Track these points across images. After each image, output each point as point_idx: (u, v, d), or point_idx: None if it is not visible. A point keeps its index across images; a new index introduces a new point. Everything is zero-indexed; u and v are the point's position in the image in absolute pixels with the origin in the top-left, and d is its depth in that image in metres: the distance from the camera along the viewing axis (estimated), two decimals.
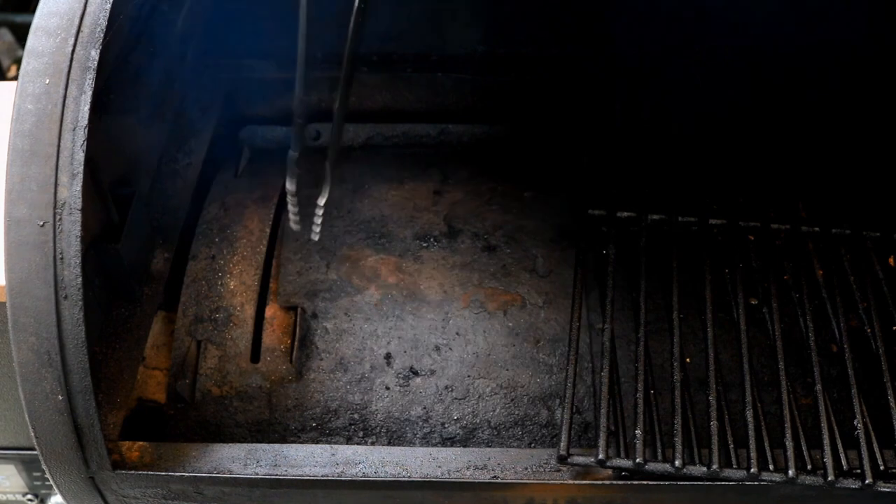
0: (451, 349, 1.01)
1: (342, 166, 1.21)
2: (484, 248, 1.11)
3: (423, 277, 1.08)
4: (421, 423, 0.97)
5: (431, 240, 1.12)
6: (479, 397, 0.98)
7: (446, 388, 0.99)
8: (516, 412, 0.97)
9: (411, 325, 1.03)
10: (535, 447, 0.94)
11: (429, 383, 0.99)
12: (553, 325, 1.03)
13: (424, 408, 0.98)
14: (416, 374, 1.00)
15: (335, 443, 0.95)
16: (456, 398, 0.98)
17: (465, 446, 0.95)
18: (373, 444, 0.95)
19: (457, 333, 1.03)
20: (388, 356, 1.01)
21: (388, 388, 0.99)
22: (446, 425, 0.97)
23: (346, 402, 0.98)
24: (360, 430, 0.96)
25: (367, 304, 1.05)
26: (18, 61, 1.81)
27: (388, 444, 0.95)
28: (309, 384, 0.99)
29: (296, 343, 1.00)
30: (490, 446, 0.95)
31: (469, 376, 1.00)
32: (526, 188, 1.17)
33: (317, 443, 0.94)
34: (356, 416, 0.97)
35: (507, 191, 1.17)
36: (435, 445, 0.95)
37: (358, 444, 0.95)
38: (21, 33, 1.85)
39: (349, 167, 1.20)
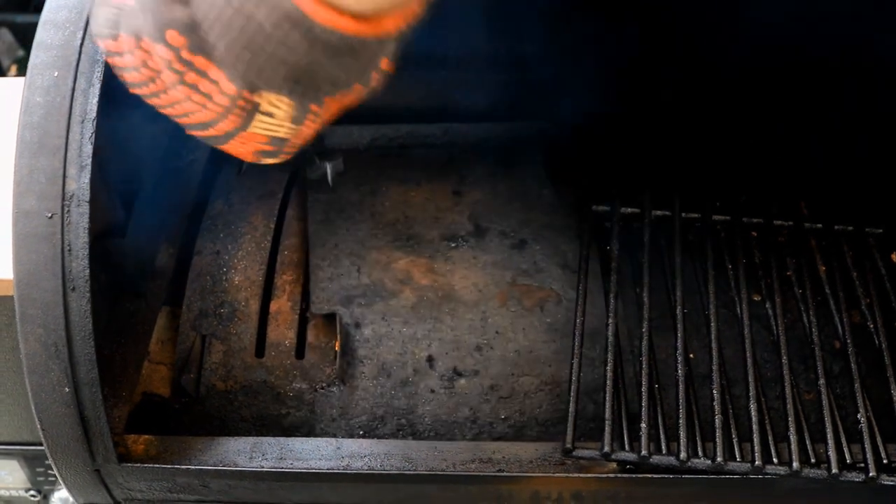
0: (492, 348, 1.01)
1: (350, 169, 1.20)
2: (513, 245, 1.10)
3: (456, 277, 1.07)
4: (469, 424, 0.96)
5: (459, 239, 1.11)
6: (524, 395, 0.98)
7: (491, 387, 0.98)
8: (563, 407, 0.95)
9: (450, 327, 1.02)
10: (583, 441, 0.92)
11: (473, 384, 0.99)
12: (590, 319, 1.01)
13: (471, 408, 0.97)
14: (459, 375, 0.99)
15: None
16: (502, 397, 0.97)
17: None
18: None
19: (496, 332, 1.02)
20: (430, 359, 1.00)
21: (433, 391, 0.98)
22: (495, 425, 0.96)
23: (392, 408, 0.97)
24: (409, 434, 0.95)
25: (404, 307, 1.04)
26: (18, 61, 1.81)
27: None
28: (353, 391, 0.98)
29: (338, 350, 0.99)
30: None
31: (513, 374, 0.99)
32: (543, 185, 1.17)
33: None
34: (403, 420, 0.96)
35: (525, 189, 1.17)
36: None
37: None
38: (21, 33, 1.84)
39: (358, 170, 1.20)
